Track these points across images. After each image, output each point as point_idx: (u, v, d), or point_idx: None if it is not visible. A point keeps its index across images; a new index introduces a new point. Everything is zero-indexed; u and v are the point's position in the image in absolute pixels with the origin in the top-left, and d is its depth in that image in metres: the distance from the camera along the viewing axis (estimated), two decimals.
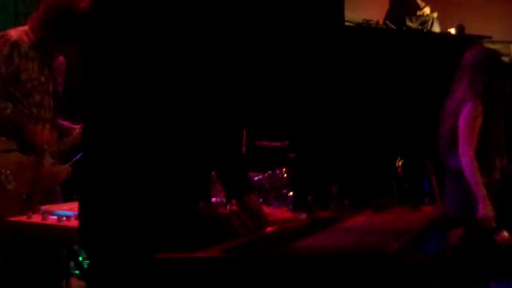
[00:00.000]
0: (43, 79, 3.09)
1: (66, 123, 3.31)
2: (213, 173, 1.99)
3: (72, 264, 3.51)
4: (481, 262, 3.65)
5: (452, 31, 7.31)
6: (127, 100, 1.44)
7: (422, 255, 2.24)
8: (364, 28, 6.35)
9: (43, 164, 3.04)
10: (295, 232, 2.13)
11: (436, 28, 7.35)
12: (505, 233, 3.60)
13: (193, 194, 1.61)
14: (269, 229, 2.04)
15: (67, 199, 3.19)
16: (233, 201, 2.02)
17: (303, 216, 3.68)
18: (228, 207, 2.26)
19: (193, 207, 1.60)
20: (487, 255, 3.66)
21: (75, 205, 2.05)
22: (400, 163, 4.65)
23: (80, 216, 1.62)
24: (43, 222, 2.57)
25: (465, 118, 3.60)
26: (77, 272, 3.85)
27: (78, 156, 3.23)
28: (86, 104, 1.52)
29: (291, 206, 3.80)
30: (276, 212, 3.09)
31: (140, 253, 1.49)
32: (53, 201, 3.06)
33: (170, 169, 1.53)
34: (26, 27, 3.10)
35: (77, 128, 3.26)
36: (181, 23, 1.50)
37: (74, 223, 2.35)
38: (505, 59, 6.40)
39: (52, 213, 2.61)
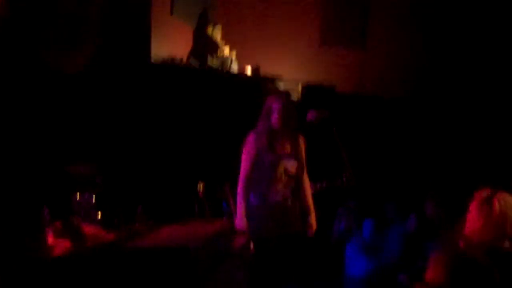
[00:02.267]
0: None
1: None
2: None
3: None
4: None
5: (248, 70, 7.97)
6: None
7: (214, 253, 2.90)
8: (169, 65, 6.77)
9: None
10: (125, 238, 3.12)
11: (235, 67, 7.93)
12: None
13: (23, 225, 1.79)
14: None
15: None
16: (57, 223, 2.23)
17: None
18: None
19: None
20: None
21: None
22: (201, 187, 5.09)
23: None
24: None
25: (242, 151, 4.22)
26: None
27: None
28: None
29: (100, 225, 4.03)
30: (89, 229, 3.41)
31: None
32: None
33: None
34: None
35: None
36: None
37: None
38: (294, 94, 7.19)
39: None
